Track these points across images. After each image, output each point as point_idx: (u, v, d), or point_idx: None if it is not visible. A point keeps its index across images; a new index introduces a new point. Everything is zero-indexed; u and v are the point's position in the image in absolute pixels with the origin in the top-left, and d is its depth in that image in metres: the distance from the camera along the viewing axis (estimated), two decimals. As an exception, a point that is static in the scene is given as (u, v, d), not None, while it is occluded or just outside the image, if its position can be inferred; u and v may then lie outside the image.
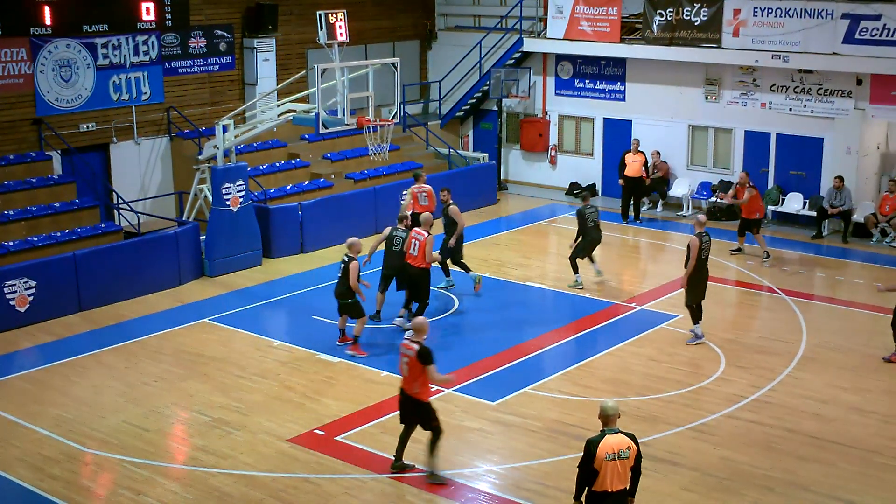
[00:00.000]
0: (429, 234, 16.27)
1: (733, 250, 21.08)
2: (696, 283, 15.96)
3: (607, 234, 23.08)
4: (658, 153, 24.56)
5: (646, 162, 23.98)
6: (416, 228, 16.47)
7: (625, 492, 9.39)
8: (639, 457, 9.40)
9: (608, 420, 9.34)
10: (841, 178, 21.97)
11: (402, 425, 12.01)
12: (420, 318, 11.80)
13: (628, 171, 23.61)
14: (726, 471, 12.15)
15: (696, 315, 16.10)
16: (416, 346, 11.47)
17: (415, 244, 16.21)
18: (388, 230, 16.93)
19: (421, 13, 28.88)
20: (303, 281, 19.52)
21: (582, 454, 9.31)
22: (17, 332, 16.86)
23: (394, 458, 12.10)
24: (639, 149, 23.88)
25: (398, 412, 11.96)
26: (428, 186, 19.48)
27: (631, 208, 23.89)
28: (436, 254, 16.79)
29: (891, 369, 15.26)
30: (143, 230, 20.55)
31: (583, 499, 9.41)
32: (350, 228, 22.05)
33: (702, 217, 16.49)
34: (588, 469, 9.25)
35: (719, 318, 17.42)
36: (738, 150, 24.26)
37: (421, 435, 13.06)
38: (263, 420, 13.57)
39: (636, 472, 9.44)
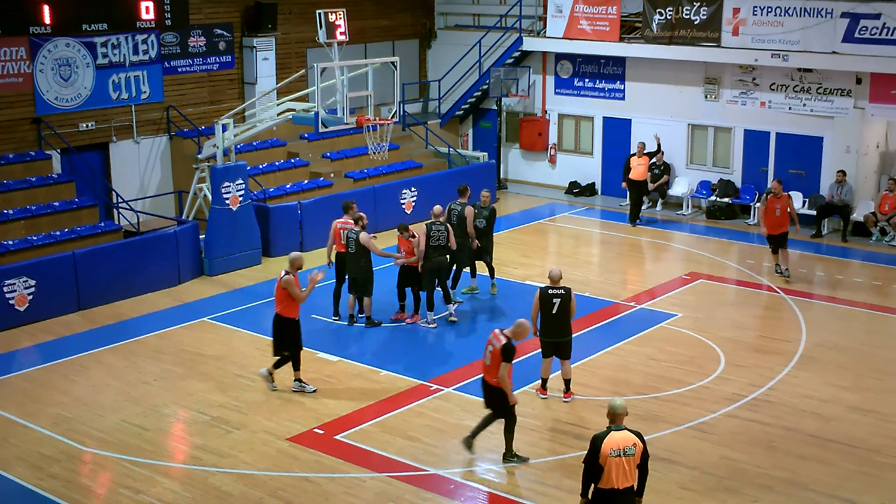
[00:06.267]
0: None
1: (778, 271, 19.47)
2: None
3: (608, 233, 23.14)
4: (661, 153, 24.40)
5: (650, 165, 23.80)
6: None
7: (632, 490, 9.41)
8: (645, 455, 9.44)
9: (615, 418, 9.41)
10: (843, 172, 22.00)
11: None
12: (524, 320, 12.26)
13: (633, 175, 23.42)
14: (726, 470, 12.15)
15: None
16: (503, 339, 11.92)
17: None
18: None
19: (420, 12, 28.87)
20: (302, 280, 19.41)
21: (587, 450, 9.36)
22: (17, 331, 16.85)
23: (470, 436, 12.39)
24: (644, 152, 23.69)
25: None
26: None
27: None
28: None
29: (890, 369, 15.26)
30: (143, 229, 20.55)
31: (589, 496, 9.44)
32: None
33: None
34: (593, 465, 9.30)
35: (719, 318, 17.42)
36: (737, 149, 24.26)
37: (418, 433, 13.09)
38: (263, 419, 13.56)
39: (643, 471, 9.47)
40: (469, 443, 12.32)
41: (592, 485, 9.39)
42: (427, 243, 16.60)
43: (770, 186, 19.70)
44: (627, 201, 24.01)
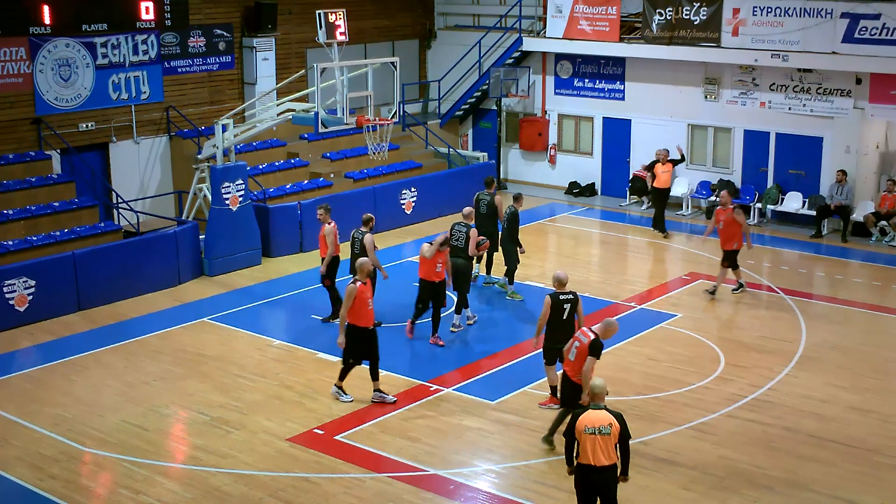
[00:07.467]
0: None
1: (734, 289, 18.40)
2: None
3: (608, 233, 23.14)
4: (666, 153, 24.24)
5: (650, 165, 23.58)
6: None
7: (613, 468, 9.77)
8: (624, 435, 9.76)
9: (594, 397, 9.87)
10: (844, 172, 22.01)
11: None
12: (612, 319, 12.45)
13: (658, 183, 22.59)
14: (726, 470, 12.15)
15: None
16: (592, 336, 12.08)
17: None
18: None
19: (420, 12, 28.88)
20: (302, 280, 19.50)
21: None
22: (17, 332, 16.85)
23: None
24: (668, 159, 22.71)
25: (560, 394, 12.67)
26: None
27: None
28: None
29: (890, 369, 15.27)
30: (143, 229, 20.55)
31: (575, 468, 9.96)
32: (349, 228, 22.10)
33: None
34: (570, 438, 9.88)
35: (719, 318, 17.42)
36: (737, 149, 24.26)
37: (418, 433, 13.09)
38: (263, 419, 13.56)
39: (625, 451, 9.84)
40: (549, 441, 12.60)
41: (574, 459, 9.89)
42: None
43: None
44: (630, 199, 23.91)
